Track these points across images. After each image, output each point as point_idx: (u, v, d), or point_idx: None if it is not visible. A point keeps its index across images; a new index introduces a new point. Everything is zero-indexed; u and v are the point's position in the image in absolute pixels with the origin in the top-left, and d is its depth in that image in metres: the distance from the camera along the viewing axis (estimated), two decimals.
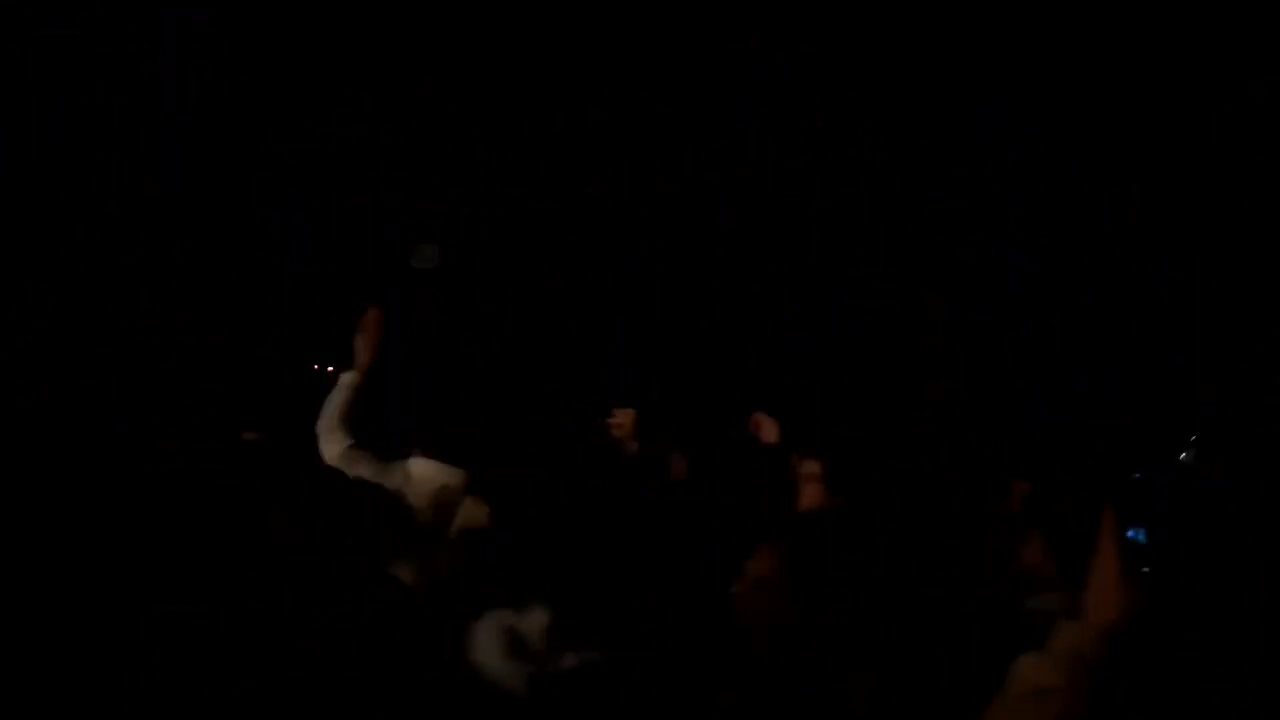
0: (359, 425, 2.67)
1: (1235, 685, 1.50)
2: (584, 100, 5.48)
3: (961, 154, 5.38)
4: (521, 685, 1.74)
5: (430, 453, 2.57)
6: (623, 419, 2.80)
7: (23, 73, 5.25)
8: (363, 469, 2.49)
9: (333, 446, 2.64)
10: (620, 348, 5.89)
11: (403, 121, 5.60)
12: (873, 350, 5.79)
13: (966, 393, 5.49)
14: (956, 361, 5.59)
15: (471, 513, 2.33)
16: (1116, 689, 1.31)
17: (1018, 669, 1.35)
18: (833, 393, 5.54)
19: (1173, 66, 4.88)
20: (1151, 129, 5.10)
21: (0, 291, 5.46)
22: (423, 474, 2.52)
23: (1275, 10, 4.68)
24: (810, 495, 2.43)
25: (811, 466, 2.47)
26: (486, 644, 1.78)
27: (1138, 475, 4.41)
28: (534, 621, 1.83)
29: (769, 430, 2.91)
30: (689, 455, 2.76)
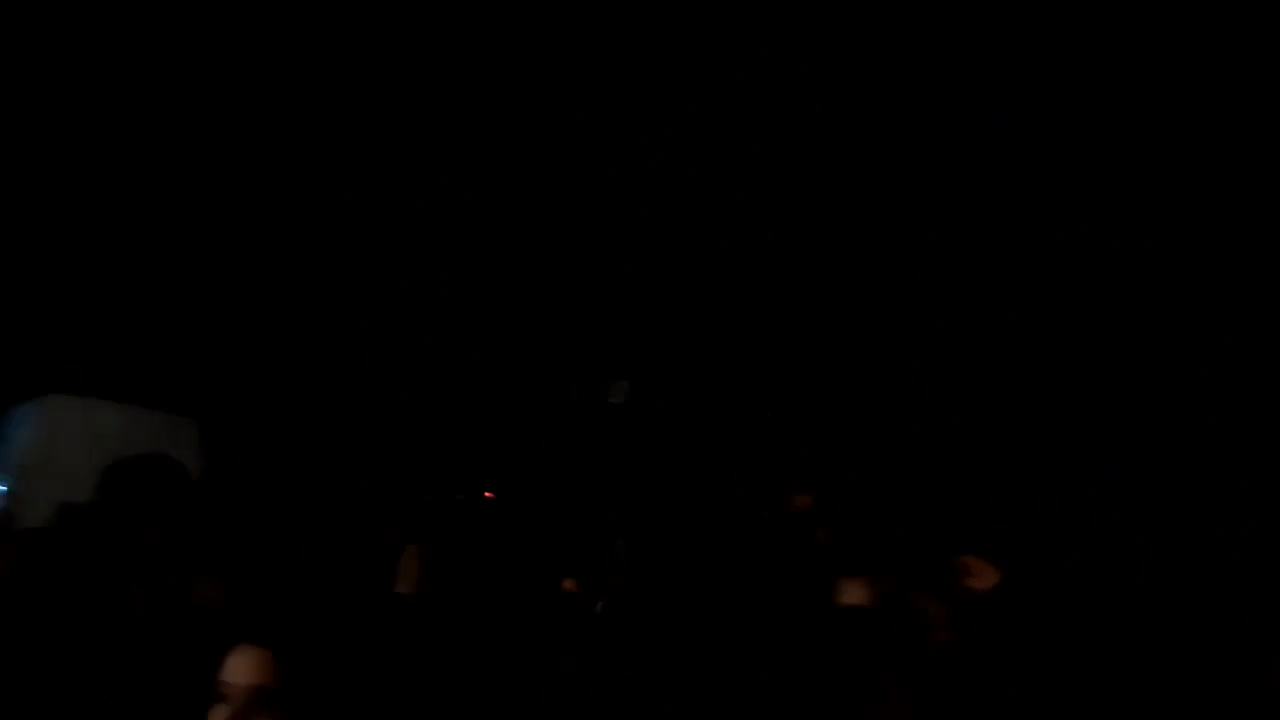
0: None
1: None
2: (584, 100, 5.48)
3: (962, 153, 5.39)
4: None
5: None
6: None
7: (22, 72, 5.25)
8: None
9: None
10: (619, 348, 5.88)
11: (403, 122, 5.60)
12: (872, 350, 5.79)
13: (966, 394, 5.48)
14: (954, 363, 5.59)
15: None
16: None
17: None
18: (831, 394, 5.54)
19: (1173, 66, 4.88)
20: (1152, 128, 5.10)
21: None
22: None
23: (1275, 10, 4.67)
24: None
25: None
26: None
27: None
28: None
29: (984, 576, 2.72)
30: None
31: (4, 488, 5.00)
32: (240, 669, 1.28)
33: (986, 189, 5.34)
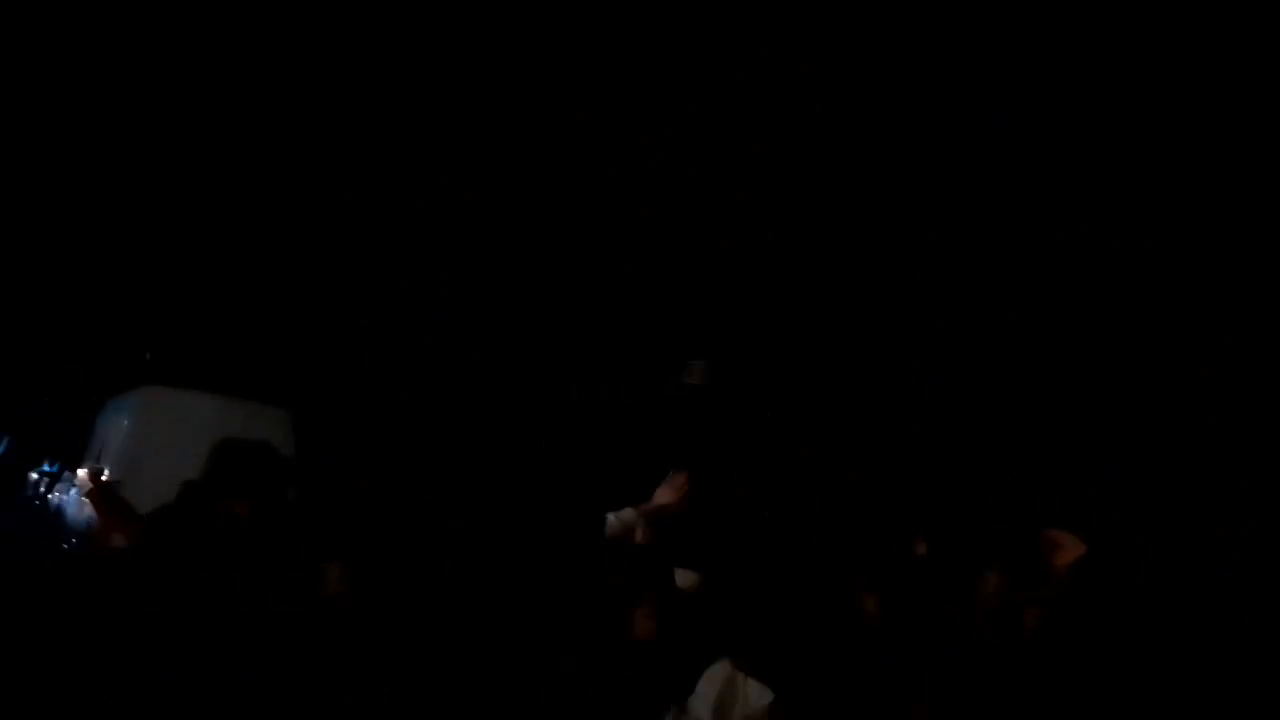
0: None
1: None
2: (584, 100, 5.49)
3: (962, 153, 5.38)
4: None
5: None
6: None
7: (22, 73, 5.25)
8: None
9: None
10: (619, 349, 5.88)
11: (403, 125, 5.60)
12: (871, 349, 5.79)
13: (965, 394, 5.48)
14: (955, 363, 5.59)
15: None
16: None
17: None
18: (831, 394, 5.53)
19: (1172, 66, 4.88)
20: (1151, 128, 5.10)
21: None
22: None
23: (1275, 10, 4.67)
24: None
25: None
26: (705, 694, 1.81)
27: None
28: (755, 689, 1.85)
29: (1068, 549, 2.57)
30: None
31: (103, 475, 5.19)
32: None
33: (986, 189, 5.34)
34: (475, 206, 5.73)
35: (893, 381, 5.68)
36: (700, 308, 5.95)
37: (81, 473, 5.11)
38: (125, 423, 5.37)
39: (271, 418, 5.10)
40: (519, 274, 6.10)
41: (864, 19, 4.89)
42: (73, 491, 6.11)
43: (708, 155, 5.46)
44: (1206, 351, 5.04)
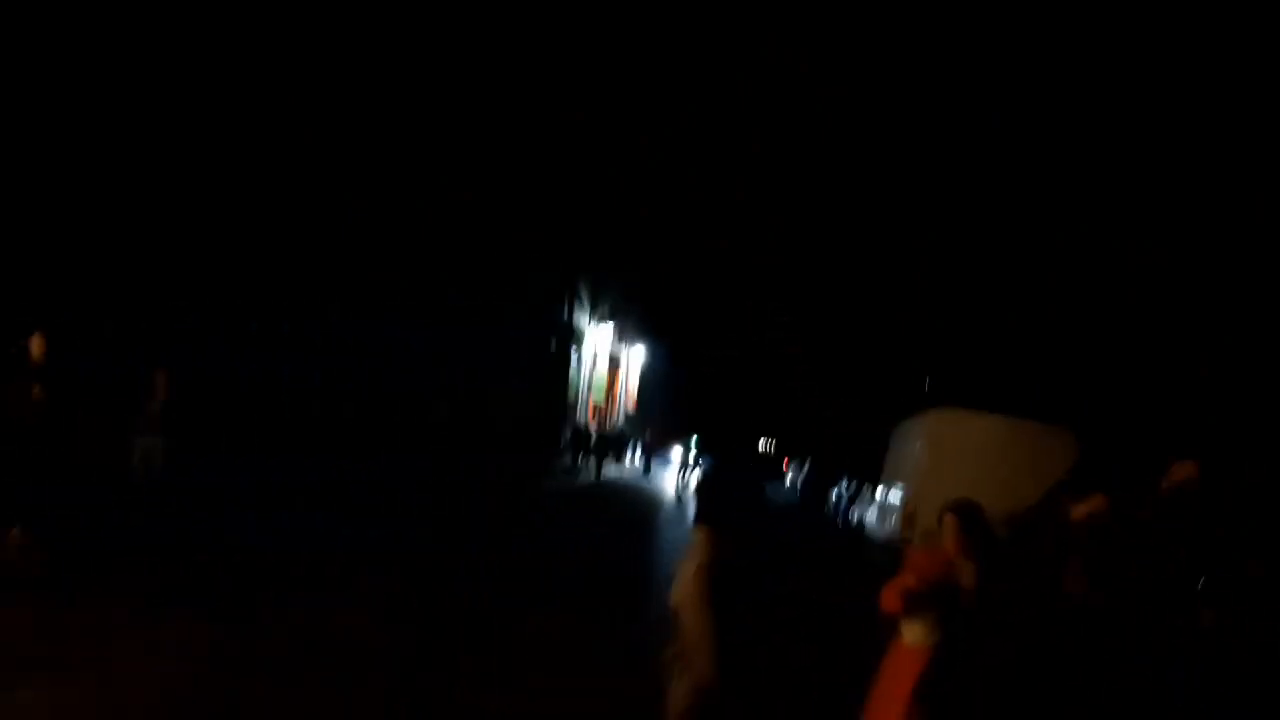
0: None
1: None
2: (584, 100, 5.48)
3: (962, 153, 5.38)
4: None
5: None
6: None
7: (23, 72, 5.25)
8: None
9: None
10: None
11: (402, 128, 5.60)
12: (869, 348, 5.79)
13: (965, 394, 5.48)
14: (953, 362, 5.59)
15: None
16: None
17: None
18: (830, 392, 5.53)
19: (1172, 66, 4.87)
20: (1151, 128, 5.09)
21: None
22: None
23: (1275, 10, 4.66)
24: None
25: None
26: None
27: None
28: None
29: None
30: None
31: (899, 493, 5.17)
32: None
33: (986, 189, 5.35)
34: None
35: (891, 381, 5.68)
36: (700, 308, 5.95)
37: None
38: (918, 443, 5.36)
39: (1056, 438, 5.02)
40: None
41: (864, 19, 4.89)
42: (869, 508, 6.16)
43: (708, 155, 5.46)
44: (1206, 351, 5.03)
